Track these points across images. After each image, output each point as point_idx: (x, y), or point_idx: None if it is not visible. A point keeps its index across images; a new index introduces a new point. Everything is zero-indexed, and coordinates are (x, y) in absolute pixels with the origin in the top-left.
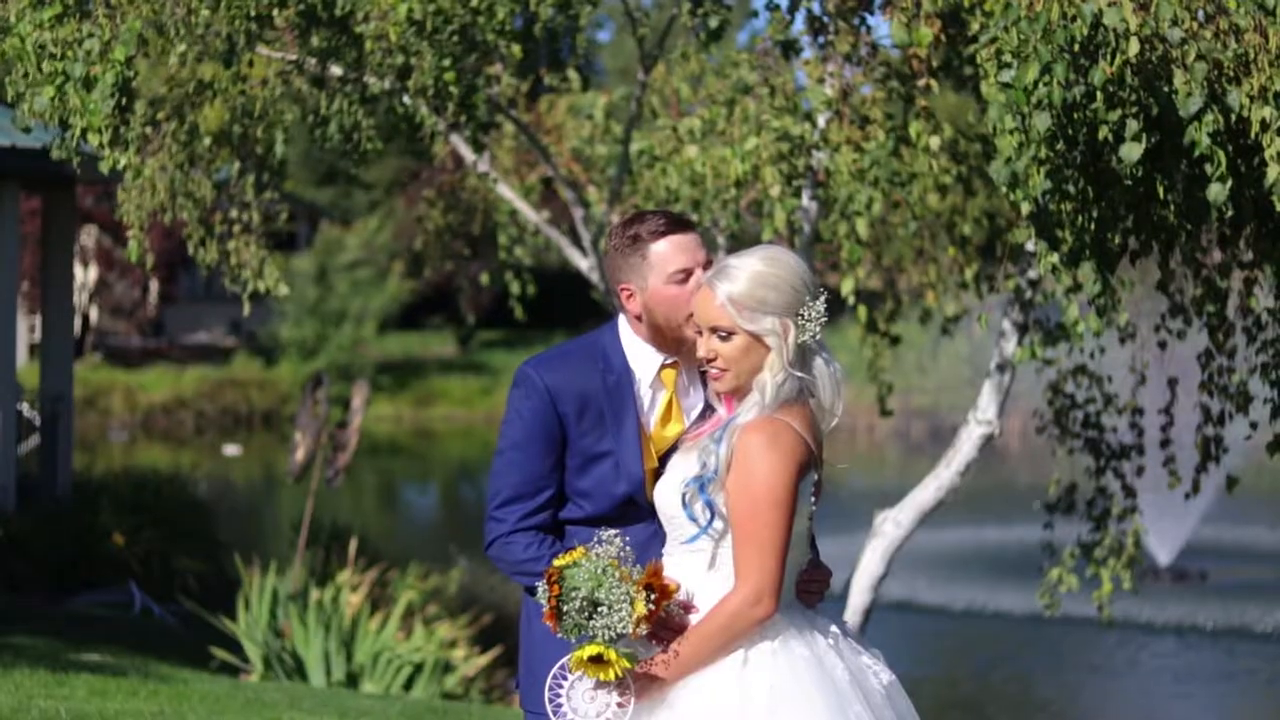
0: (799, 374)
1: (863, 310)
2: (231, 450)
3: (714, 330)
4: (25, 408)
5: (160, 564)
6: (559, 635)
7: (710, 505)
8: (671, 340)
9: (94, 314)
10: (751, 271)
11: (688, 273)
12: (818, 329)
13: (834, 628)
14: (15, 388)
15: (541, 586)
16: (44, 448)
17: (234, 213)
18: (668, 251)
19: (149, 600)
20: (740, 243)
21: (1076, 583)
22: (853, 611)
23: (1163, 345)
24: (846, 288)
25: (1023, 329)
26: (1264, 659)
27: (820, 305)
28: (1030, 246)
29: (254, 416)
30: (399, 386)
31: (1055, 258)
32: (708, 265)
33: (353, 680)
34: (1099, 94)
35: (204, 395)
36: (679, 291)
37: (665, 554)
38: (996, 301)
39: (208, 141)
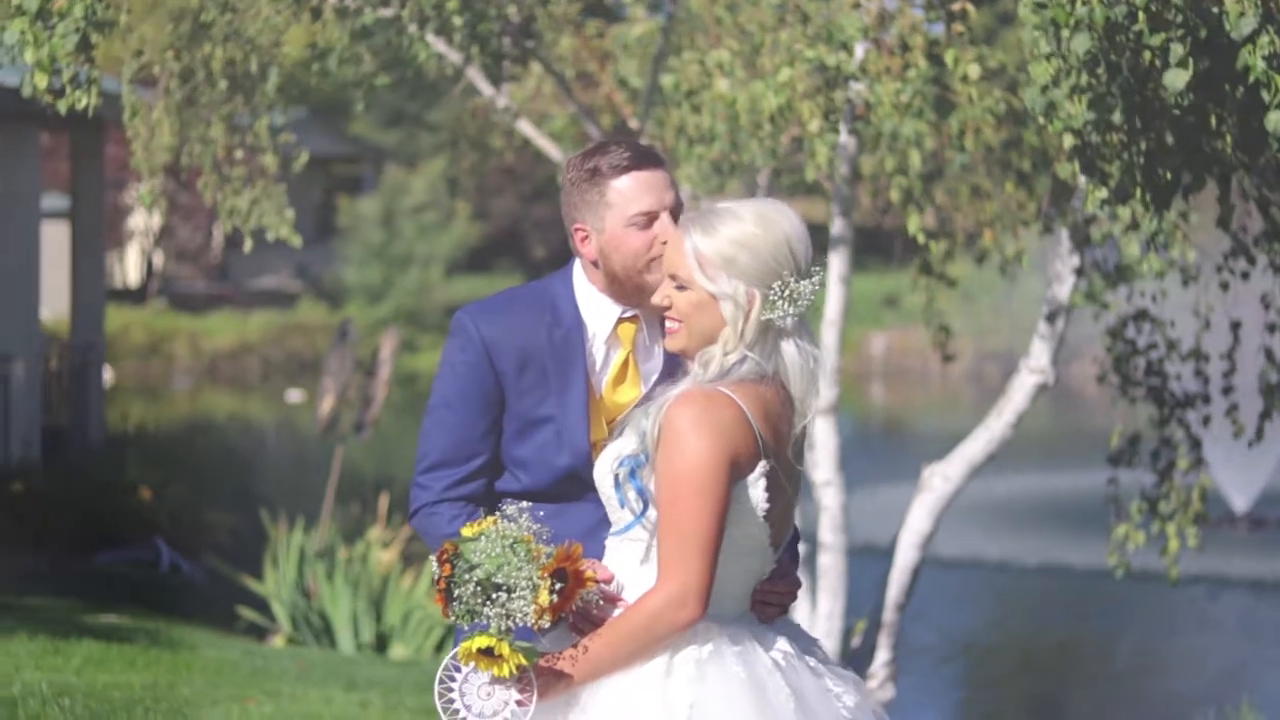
0: (755, 356)
1: (934, 246)
2: (294, 396)
3: (673, 277)
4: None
5: (191, 518)
6: (450, 619)
7: (642, 493)
8: (630, 289)
9: (159, 259)
10: (734, 225)
11: (651, 216)
12: (792, 311)
13: (785, 645)
14: (41, 338)
15: (432, 560)
16: (74, 399)
17: (239, 154)
18: (630, 190)
19: (177, 557)
20: (781, 182)
21: (1143, 539)
22: (900, 571)
23: (1225, 286)
24: (913, 226)
25: (1078, 271)
26: None
27: (805, 287)
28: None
29: (319, 362)
30: None
31: (1103, 193)
32: (675, 208)
33: (382, 642)
34: (1141, 15)
35: (269, 341)
36: (640, 236)
37: (606, 540)
38: (1044, 241)
39: (219, 83)
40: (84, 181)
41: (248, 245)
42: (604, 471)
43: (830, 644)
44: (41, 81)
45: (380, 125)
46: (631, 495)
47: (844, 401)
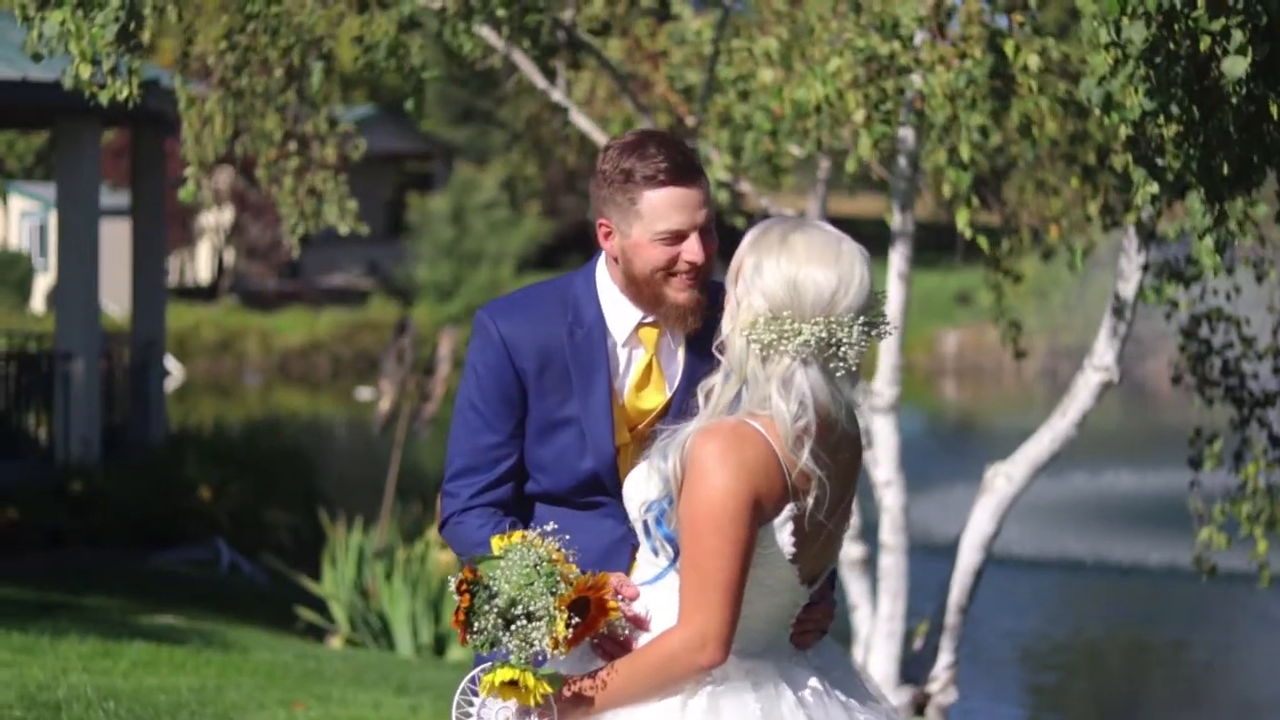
0: (739, 384)
1: (983, 241)
2: (364, 394)
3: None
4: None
5: (251, 518)
6: (469, 645)
7: (670, 540)
8: (648, 296)
9: (229, 256)
10: (776, 242)
11: (679, 235)
12: (767, 341)
13: (816, 681)
14: (101, 336)
15: (451, 583)
16: (135, 397)
17: (292, 146)
18: (661, 206)
19: (237, 556)
20: (844, 177)
21: (1226, 541)
22: (962, 572)
23: None
24: (962, 220)
25: (1144, 268)
26: None
27: (795, 344)
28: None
29: None
30: None
31: (1154, 188)
32: (705, 226)
33: (441, 643)
34: (1200, 0)
35: (339, 338)
36: (664, 251)
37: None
38: (1115, 236)
39: (275, 72)
40: (144, 178)
41: (295, 250)
42: (634, 516)
43: (891, 647)
44: (84, 72)
45: (451, 122)
46: (660, 543)
47: (916, 399)
